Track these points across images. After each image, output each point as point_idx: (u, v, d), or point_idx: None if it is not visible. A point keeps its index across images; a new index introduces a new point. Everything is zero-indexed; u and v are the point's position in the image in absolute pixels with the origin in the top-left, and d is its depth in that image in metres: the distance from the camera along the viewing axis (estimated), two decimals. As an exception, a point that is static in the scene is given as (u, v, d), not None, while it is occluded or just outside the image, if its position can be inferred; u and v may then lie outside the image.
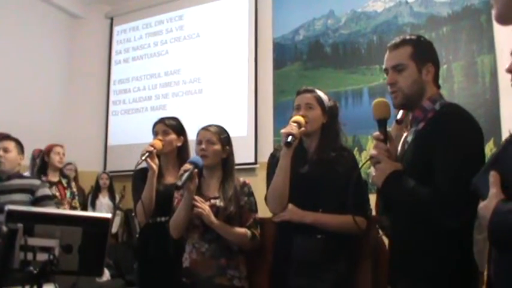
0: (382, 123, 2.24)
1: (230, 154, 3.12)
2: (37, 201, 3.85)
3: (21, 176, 4.07)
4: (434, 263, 2.05)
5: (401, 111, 2.29)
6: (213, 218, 2.86)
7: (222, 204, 2.94)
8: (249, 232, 2.94)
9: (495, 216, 1.47)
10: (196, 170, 2.87)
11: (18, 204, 3.41)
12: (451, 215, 1.96)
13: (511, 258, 1.51)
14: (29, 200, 3.82)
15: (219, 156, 3.06)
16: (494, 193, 1.50)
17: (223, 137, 3.09)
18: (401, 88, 2.21)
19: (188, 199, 2.86)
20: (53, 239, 2.07)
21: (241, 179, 3.12)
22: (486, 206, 1.51)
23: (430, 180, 2.01)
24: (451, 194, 1.94)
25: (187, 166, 2.86)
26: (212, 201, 2.96)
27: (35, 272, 1.95)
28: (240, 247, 2.97)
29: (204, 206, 2.87)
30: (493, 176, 1.52)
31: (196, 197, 2.89)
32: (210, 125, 3.14)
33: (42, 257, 2.00)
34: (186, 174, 2.79)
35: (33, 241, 2.00)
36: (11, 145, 3.99)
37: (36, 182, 4.05)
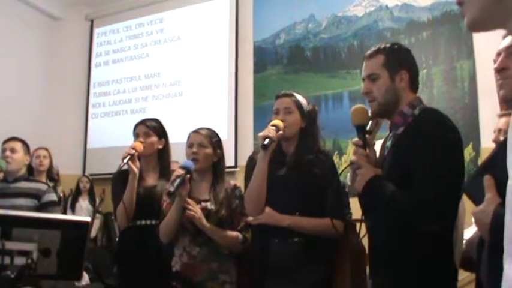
0: (360, 129, 2.26)
1: (221, 157, 3.11)
2: (43, 207, 3.79)
3: (28, 179, 4.00)
4: (412, 263, 2.06)
5: (370, 122, 2.32)
6: (205, 221, 2.84)
7: (213, 207, 2.93)
8: (240, 236, 2.93)
9: (496, 219, 1.46)
10: (188, 176, 2.86)
11: (22, 209, 3.38)
12: (431, 219, 1.98)
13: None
14: (34, 206, 3.76)
15: (210, 160, 3.05)
16: (490, 197, 1.51)
17: (214, 140, 3.08)
18: (376, 97, 2.24)
19: (180, 204, 2.84)
20: (31, 243, 2.03)
21: (232, 182, 3.11)
22: (483, 211, 1.52)
23: (410, 184, 2.03)
24: (431, 198, 1.95)
25: (179, 172, 2.84)
26: (203, 204, 2.94)
27: (12, 276, 1.92)
28: (231, 251, 2.95)
29: (196, 209, 2.85)
30: (488, 180, 1.52)
31: (188, 200, 2.87)
32: (201, 128, 3.12)
33: (20, 261, 1.97)
34: (178, 180, 2.79)
35: (10, 245, 1.97)
36: (17, 145, 3.95)
37: (43, 186, 3.99)
